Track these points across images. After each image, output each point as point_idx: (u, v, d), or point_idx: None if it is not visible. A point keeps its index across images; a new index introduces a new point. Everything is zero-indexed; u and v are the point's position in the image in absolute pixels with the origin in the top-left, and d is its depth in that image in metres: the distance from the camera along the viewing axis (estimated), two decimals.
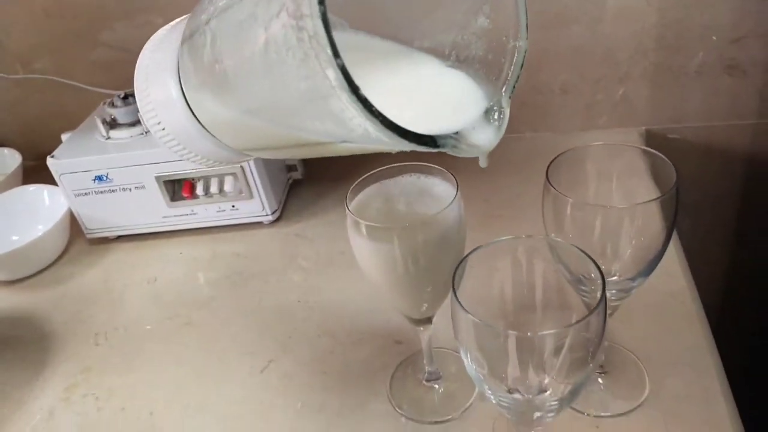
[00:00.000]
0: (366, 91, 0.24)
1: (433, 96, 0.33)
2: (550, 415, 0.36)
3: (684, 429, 0.47)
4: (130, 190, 0.74)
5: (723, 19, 0.73)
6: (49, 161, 0.72)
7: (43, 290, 0.74)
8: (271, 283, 0.69)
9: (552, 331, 0.32)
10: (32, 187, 0.82)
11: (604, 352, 0.49)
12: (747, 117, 0.79)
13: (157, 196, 0.74)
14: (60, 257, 0.79)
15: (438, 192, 0.44)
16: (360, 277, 0.60)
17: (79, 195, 0.74)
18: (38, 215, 0.80)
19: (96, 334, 0.66)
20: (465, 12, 0.33)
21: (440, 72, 0.34)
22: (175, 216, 0.76)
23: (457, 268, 0.35)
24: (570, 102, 0.81)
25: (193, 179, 0.73)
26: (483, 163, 0.33)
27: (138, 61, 0.38)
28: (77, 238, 0.81)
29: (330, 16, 0.23)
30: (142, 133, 0.74)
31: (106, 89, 0.83)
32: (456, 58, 0.34)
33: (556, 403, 0.35)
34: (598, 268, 0.33)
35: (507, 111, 0.32)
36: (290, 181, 0.82)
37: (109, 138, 0.74)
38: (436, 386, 0.54)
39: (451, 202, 0.41)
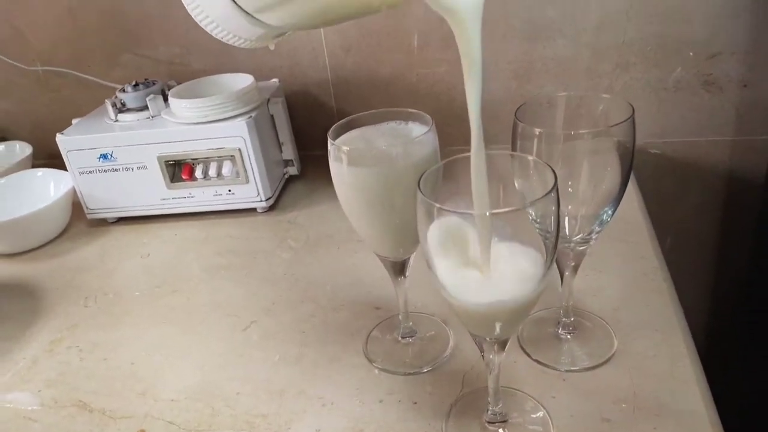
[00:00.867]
0: None
1: None
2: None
3: (650, 384, 0.48)
4: (133, 169, 0.77)
5: (698, 35, 0.77)
6: (58, 137, 0.76)
7: (40, 262, 0.77)
8: (260, 258, 0.71)
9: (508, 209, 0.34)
10: (40, 171, 0.86)
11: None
12: (725, 133, 0.83)
13: (157, 177, 0.77)
14: (59, 236, 0.81)
15: (416, 134, 0.47)
16: (346, 255, 0.62)
17: (83, 173, 0.78)
18: (44, 198, 0.82)
19: (86, 298, 0.68)
20: None
21: None
22: (173, 198, 0.79)
23: (422, 174, 0.37)
24: None
25: (193, 162, 0.77)
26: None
27: None
28: (78, 221, 0.84)
29: None
30: (149, 117, 0.78)
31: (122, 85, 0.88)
32: None
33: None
34: (553, 172, 0.36)
35: None
36: (286, 176, 0.85)
37: (117, 121, 0.79)
38: (411, 341, 0.55)
39: (428, 130, 0.44)
